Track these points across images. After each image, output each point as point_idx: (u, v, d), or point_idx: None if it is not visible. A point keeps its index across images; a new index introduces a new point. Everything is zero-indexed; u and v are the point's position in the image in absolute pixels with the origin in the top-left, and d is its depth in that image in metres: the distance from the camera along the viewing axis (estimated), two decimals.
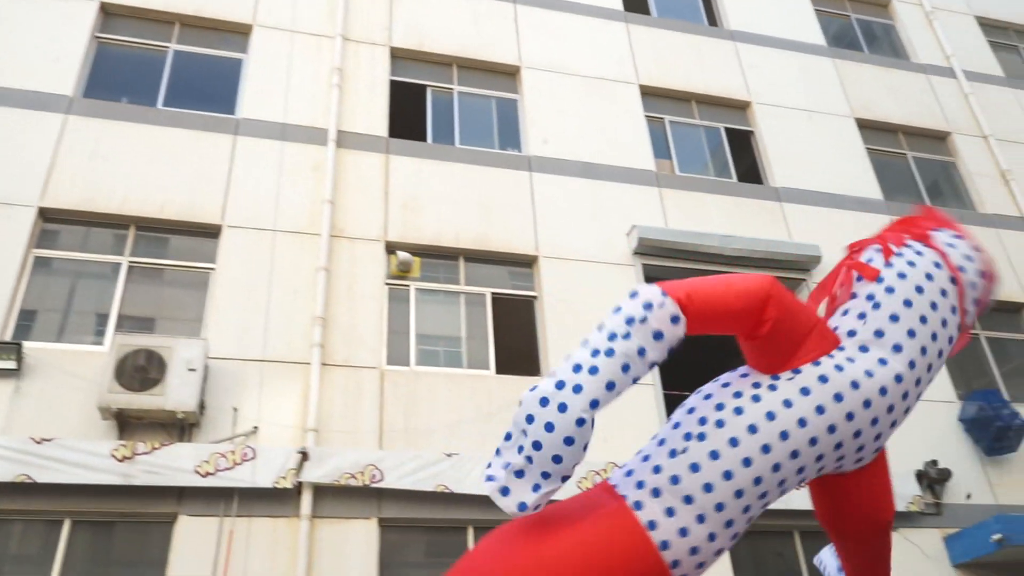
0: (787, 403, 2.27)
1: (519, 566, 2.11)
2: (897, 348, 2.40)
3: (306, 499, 7.58)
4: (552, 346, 9.30)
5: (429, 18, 11.66)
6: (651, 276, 10.24)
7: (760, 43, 13.37)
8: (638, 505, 2.19)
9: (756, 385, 2.34)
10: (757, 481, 2.24)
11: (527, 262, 10.00)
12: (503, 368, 9.23)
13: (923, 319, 2.44)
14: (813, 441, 2.27)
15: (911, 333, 2.41)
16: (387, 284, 9.29)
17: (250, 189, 9.38)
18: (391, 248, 9.44)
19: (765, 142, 12.26)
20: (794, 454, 2.26)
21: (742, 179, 11.98)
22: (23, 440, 7.09)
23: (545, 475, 2.01)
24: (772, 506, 9.41)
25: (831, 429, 2.28)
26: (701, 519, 2.18)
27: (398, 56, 11.30)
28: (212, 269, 8.84)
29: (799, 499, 8.42)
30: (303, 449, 7.71)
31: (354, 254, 9.24)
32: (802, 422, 2.26)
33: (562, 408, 2.01)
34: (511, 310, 9.80)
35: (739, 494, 2.23)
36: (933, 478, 9.29)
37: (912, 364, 2.41)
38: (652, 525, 2.15)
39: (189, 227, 9.09)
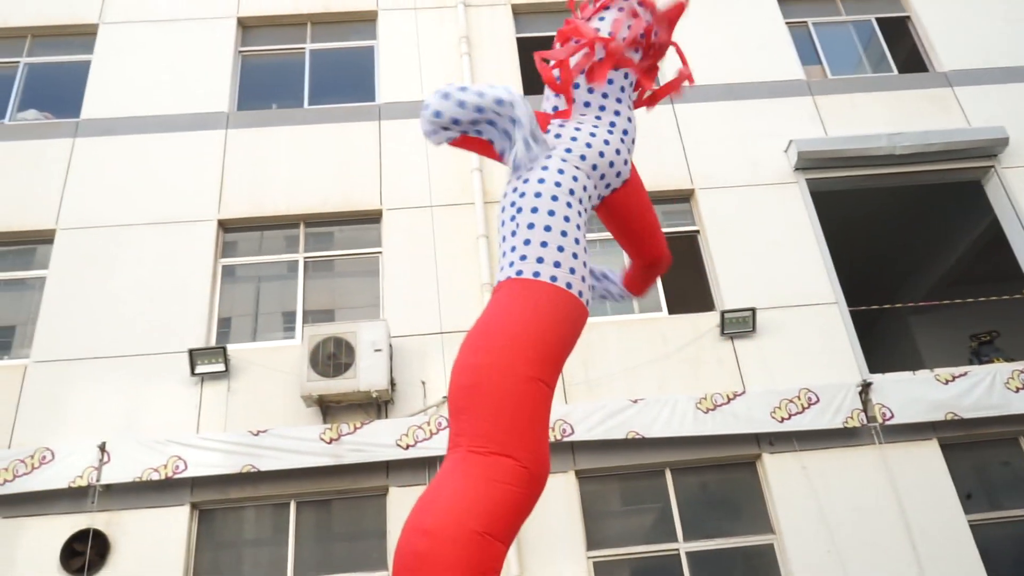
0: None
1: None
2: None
3: None
4: (723, 279, 9.03)
5: None
6: (817, 191, 9.71)
7: None
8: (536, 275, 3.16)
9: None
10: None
11: (684, 197, 9.74)
12: (675, 308, 9.08)
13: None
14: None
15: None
16: None
17: (401, 170, 9.66)
18: None
19: (924, 25, 11.25)
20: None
21: (903, 70, 11.07)
22: (242, 434, 7.75)
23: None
24: (995, 413, 8.72)
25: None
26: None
27: (520, 12, 11.21)
28: (380, 253, 9.21)
29: (1022, 404, 7.84)
30: None
31: None
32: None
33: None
34: (674, 248, 9.44)
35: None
36: None
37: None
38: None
39: (352, 216, 9.50)
